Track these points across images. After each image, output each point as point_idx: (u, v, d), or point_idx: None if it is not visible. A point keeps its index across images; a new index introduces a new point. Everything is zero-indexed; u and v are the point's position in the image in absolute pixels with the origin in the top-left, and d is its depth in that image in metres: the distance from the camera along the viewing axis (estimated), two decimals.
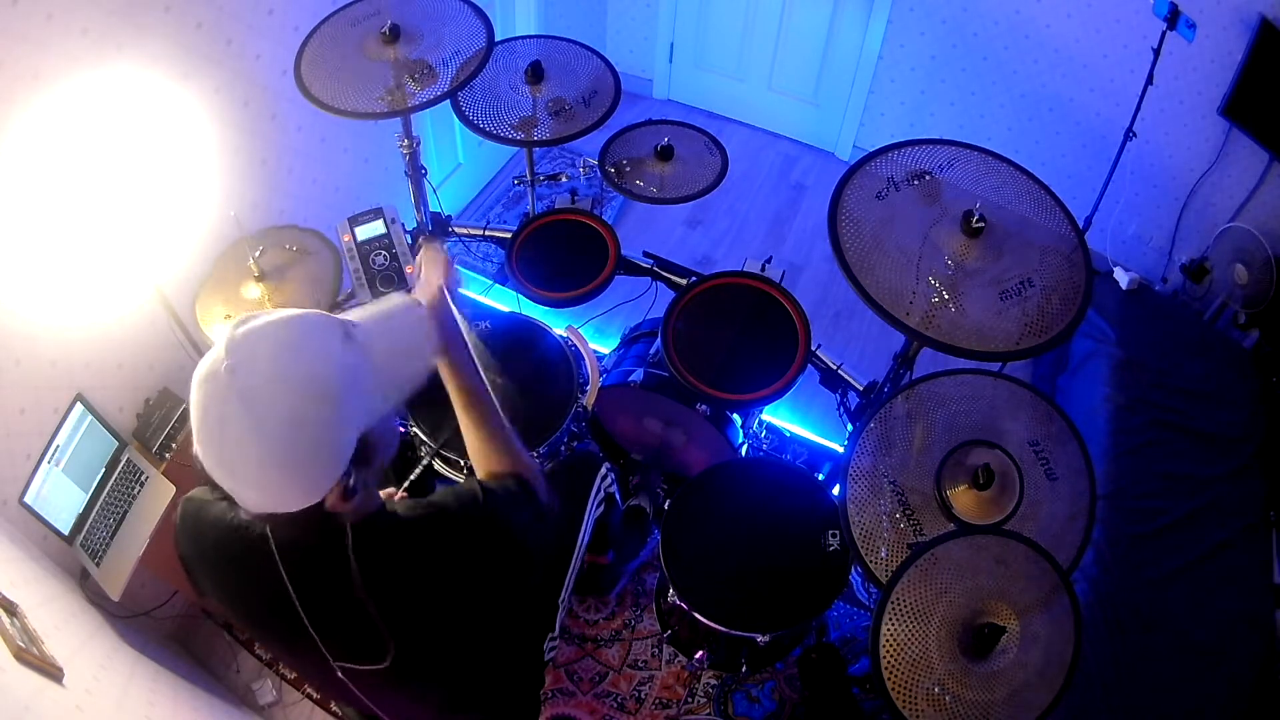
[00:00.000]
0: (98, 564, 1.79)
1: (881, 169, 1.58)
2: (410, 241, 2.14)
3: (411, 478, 1.59)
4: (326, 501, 0.86)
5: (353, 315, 0.95)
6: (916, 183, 1.56)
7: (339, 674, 1.02)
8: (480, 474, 1.13)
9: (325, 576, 0.93)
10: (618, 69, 2.14)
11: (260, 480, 0.83)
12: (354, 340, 0.87)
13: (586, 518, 1.75)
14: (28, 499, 1.71)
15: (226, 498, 0.94)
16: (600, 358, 2.36)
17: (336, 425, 0.83)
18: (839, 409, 2.07)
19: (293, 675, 2.23)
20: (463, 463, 1.95)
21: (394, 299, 1.01)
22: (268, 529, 0.92)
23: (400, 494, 1.34)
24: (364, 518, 0.93)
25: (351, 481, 0.86)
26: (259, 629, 1.09)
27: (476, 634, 1.07)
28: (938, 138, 1.61)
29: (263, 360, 0.80)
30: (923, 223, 1.54)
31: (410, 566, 0.96)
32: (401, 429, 2.02)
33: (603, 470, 1.85)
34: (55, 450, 1.75)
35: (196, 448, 0.83)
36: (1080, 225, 1.58)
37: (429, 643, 1.01)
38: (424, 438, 1.94)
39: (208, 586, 1.05)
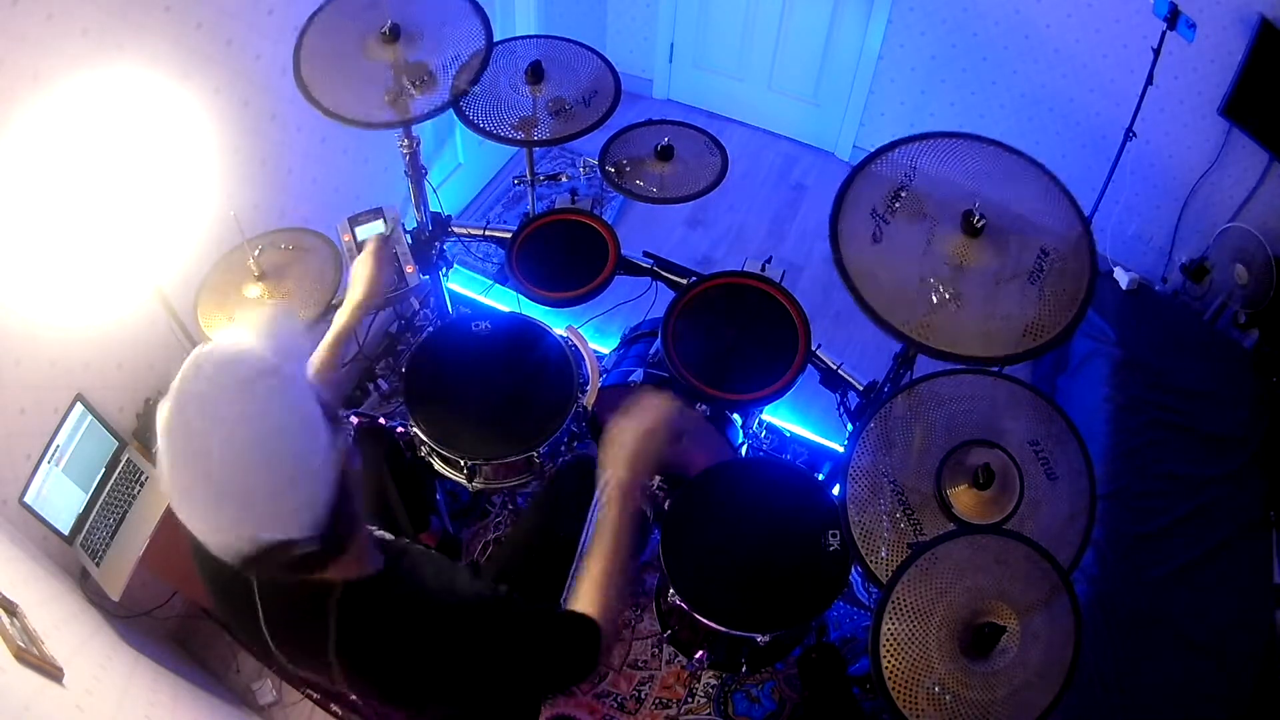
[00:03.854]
0: (98, 564, 1.79)
1: (865, 201, 1.55)
2: (410, 242, 2.14)
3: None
4: (344, 466, 0.84)
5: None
6: (898, 204, 1.56)
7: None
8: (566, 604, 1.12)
9: (303, 628, 0.91)
10: (618, 69, 2.14)
11: (292, 481, 0.79)
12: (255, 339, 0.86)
13: (589, 523, 1.75)
14: (28, 499, 1.71)
15: None
16: (600, 358, 2.36)
17: (293, 385, 0.82)
18: (839, 409, 2.07)
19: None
20: (463, 462, 1.95)
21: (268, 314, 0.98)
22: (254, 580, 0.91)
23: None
24: (363, 578, 0.92)
25: (340, 441, 0.85)
26: (258, 648, 1.09)
27: (448, 699, 1.03)
28: (935, 131, 1.61)
29: (214, 390, 0.79)
30: (921, 242, 1.53)
31: (396, 643, 0.93)
32: (401, 429, 2.02)
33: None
34: (55, 450, 1.75)
35: (220, 531, 0.78)
36: (1074, 198, 1.58)
37: (384, 689, 0.99)
38: (424, 438, 1.94)
39: (209, 592, 1.06)
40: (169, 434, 0.77)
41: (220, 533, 0.78)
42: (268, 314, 0.87)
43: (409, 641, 0.93)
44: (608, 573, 1.11)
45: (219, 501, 0.77)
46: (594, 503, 1.17)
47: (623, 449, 1.18)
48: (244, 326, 0.86)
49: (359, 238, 2.07)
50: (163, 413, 0.78)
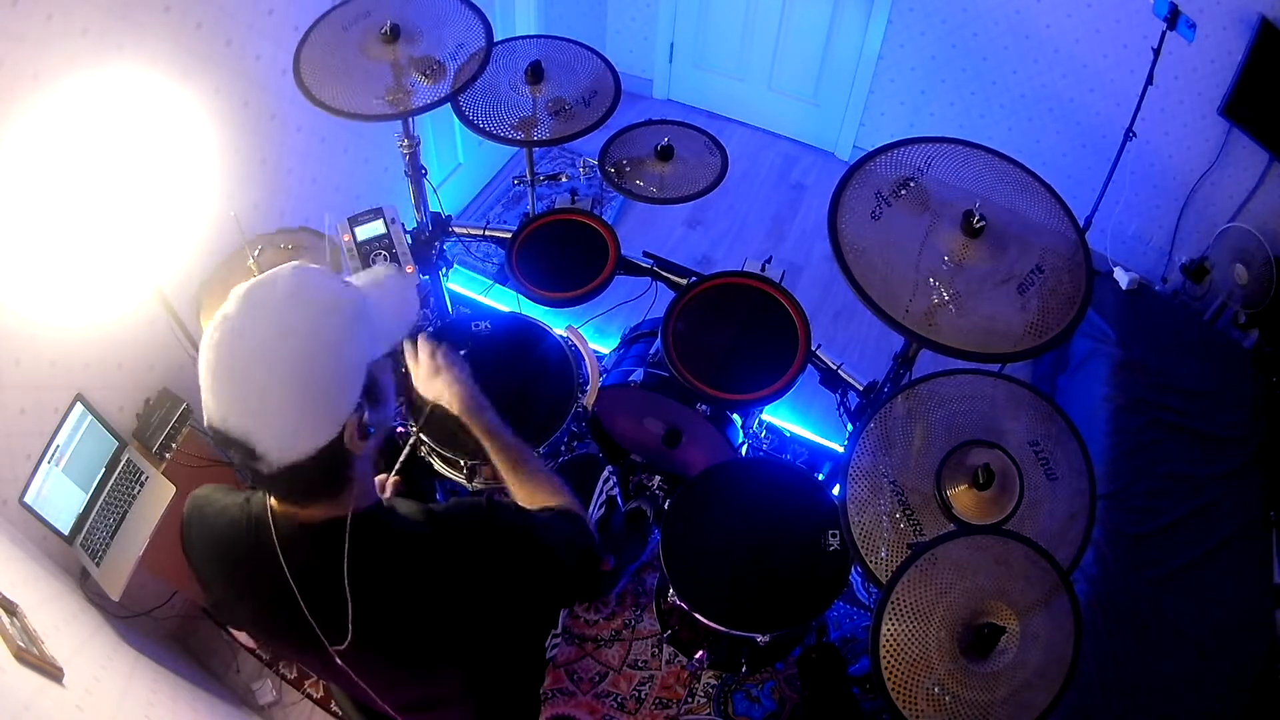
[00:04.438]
0: (98, 564, 1.79)
1: (871, 180, 1.56)
2: (410, 242, 2.14)
3: (401, 459, 1.60)
4: (344, 436, 0.87)
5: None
6: (904, 192, 1.56)
7: (337, 660, 1.03)
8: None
9: (319, 561, 0.95)
10: (618, 69, 2.14)
11: (281, 403, 0.83)
12: (351, 286, 0.94)
13: (588, 520, 1.75)
14: (28, 499, 1.71)
15: (234, 491, 0.99)
16: (600, 358, 2.36)
17: (348, 340, 0.87)
18: (839, 409, 2.07)
19: (293, 675, 2.23)
20: (463, 462, 1.95)
21: (380, 269, 1.05)
22: (269, 514, 0.94)
23: (393, 479, 1.36)
24: (363, 510, 0.96)
25: (365, 417, 0.89)
26: (257, 621, 1.09)
27: (465, 640, 1.07)
28: (934, 135, 1.61)
29: (280, 287, 0.86)
30: (920, 232, 1.53)
31: (400, 571, 0.98)
32: (400, 429, 2.02)
33: (605, 473, 1.85)
34: (55, 450, 1.75)
35: (210, 400, 0.83)
36: (1078, 221, 1.58)
37: (395, 640, 1.02)
38: (424, 437, 1.94)
39: (210, 582, 1.06)
40: (236, 338, 0.83)
41: (286, 435, 0.84)
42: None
43: (412, 562, 0.98)
44: (531, 473, 1.25)
45: (283, 404, 0.83)
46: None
47: (449, 393, 1.32)
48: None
49: (359, 238, 2.07)
50: (224, 325, 0.84)
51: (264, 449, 0.83)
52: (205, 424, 0.85)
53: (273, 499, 0.94)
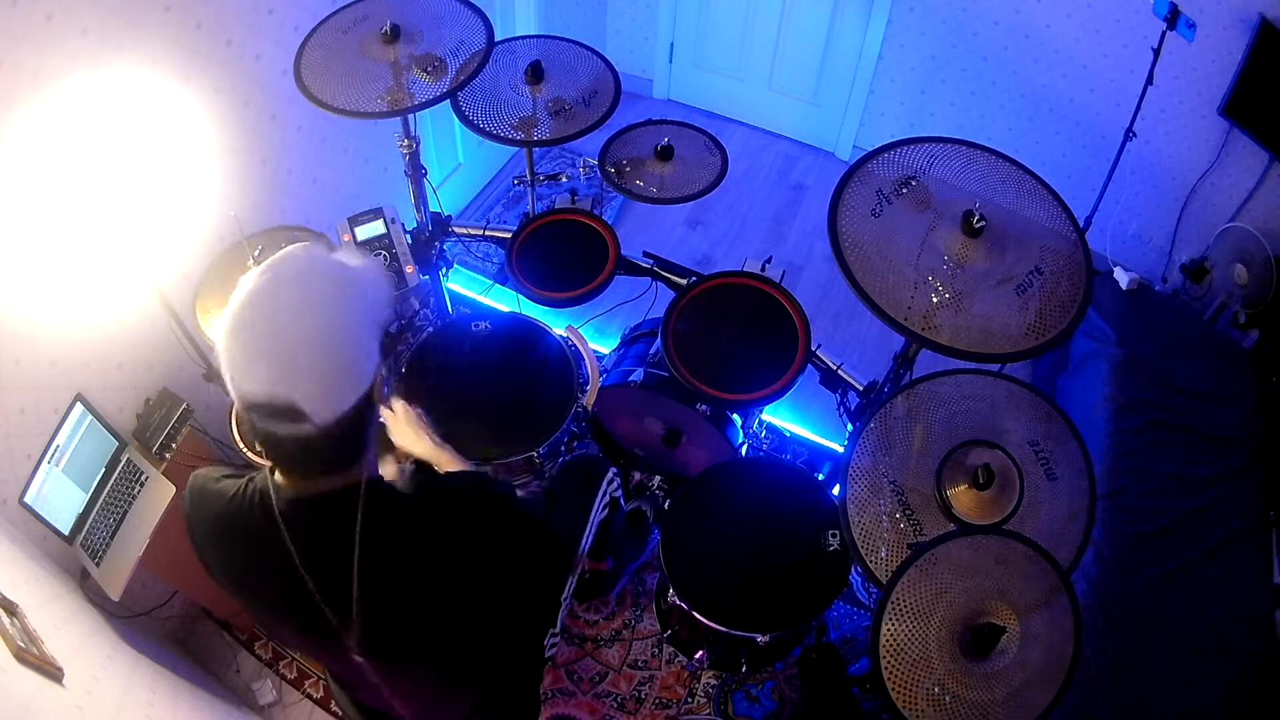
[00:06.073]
0: (98, 564, 1.79)
1: (872, 179, 1.56)
2: (410, 242, 2.14)
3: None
4: (373, 391, 0.94)
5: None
6: (906, 190, 1.56)
7: (345, 642, 1.03)
8: None
9: (328, 538, 0.96)
10: (618, 69, 2.14)
11: (325, 361, 0.88)
12: (351, 262, 0.98)
13: (591, 520, 1.75)
14: (28, 499, 1.71)
15: (234, 474, 1.02)
16: (600, 358, 2.36)
17: (367, 306, 0.93)
18: (839, 409, 2.07)
19: (293, 675, 2.23)
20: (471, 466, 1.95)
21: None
22: (272, 490, 0.96)
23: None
24: (372, 479, 0.99)
25: (385, 373, 0.96)
26: (262, 606, 1.10)
27: (466, 617, 1.10)
28: (935, 135, 1.61)
29: (299, 264, 0.92)
30: (920, 231, 1.53)
31: (412, 540, 1.01)
32: None
33: (609, 474, 1.85)
34: (55, 450, 1.75)
35: (248, 378, 0.87)
36: (1078, 221, 1.58)
37: (404, 619, 1.05)
38: None
39: (213, 563, 1.07)
40: (271, 313, 0.88)
41: (267, 383, 0.87)
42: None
43: (415, 529, 1.01)
44: None
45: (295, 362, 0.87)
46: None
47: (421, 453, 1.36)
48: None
49: (359, 238, 2.07)
50: (253, 303, 0.89)
51: (312, 408, 0.87)
52: (241, 406, 0.90)
53: (281, 476, 0.96)
